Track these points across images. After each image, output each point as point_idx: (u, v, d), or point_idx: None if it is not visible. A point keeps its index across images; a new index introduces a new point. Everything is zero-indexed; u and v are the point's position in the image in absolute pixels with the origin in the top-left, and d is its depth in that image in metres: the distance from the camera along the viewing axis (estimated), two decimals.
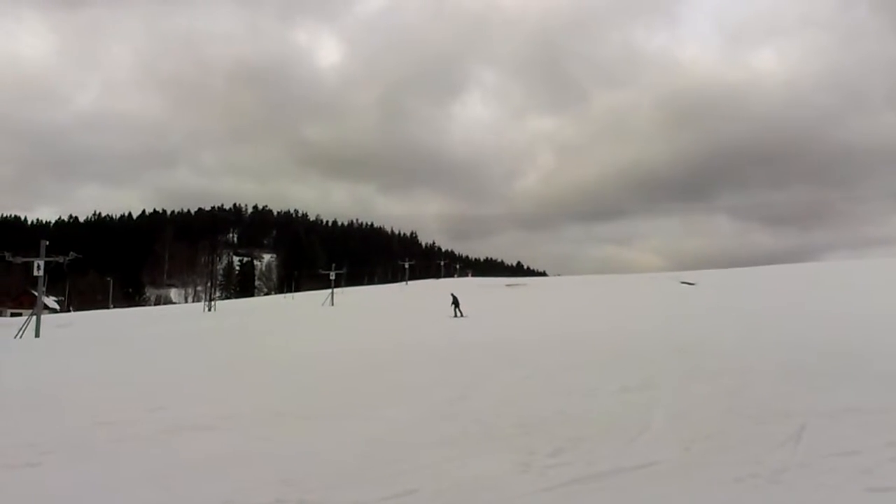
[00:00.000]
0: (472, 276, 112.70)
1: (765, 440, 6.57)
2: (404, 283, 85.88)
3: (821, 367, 11.73)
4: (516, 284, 72.56)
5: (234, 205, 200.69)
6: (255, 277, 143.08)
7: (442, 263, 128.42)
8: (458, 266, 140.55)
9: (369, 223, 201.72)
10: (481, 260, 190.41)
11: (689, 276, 66.91)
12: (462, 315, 33.45)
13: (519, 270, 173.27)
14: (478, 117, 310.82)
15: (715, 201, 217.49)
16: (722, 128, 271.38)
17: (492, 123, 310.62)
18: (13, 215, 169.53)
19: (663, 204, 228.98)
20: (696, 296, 44.47)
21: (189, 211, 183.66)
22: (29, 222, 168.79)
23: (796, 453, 6.08)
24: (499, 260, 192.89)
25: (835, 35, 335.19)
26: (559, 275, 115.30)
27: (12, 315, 75.99)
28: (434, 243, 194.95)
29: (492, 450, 6.57)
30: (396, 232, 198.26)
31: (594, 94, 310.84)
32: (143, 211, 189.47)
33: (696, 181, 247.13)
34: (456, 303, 35.18)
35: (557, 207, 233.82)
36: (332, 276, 60.03)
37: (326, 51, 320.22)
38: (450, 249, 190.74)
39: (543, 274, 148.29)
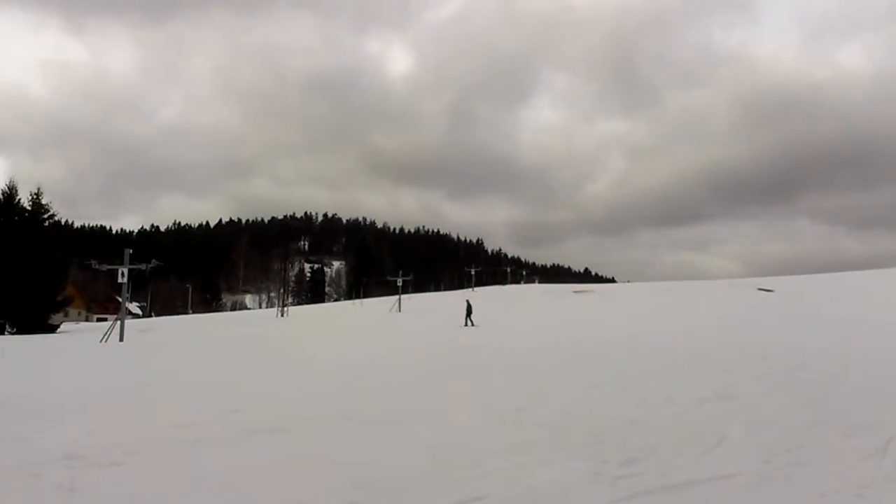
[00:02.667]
0: (539, 282, 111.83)
1: (849, 453, 6.27)
2: (471, 289, 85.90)
3: None
4: (584, 291, 71.53)
5: (306, 213, 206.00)
6: (326, 284, 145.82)
7: (508, 270, 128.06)
8: (524, 273, 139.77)
9: (436, 230, 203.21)
10: (548, 266, 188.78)
11: (768, 282, 64.44)
12: (473, 325, 32.33)
13: (587, 277, 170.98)
14: (547, 121, 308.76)
15: (797, 204, 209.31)
16: (804, 127, 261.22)
17: (561, 127, 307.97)
18: (99, 225, 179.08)
19: (742, 207, 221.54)
20: (774, 303, 42.82)
21: (263, 220, 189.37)
22: (113, 231, 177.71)
23: (882, 467, 5.79)
24: (566, 266, 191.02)
25: None
26: (629, 281, 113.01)
27: (98, 320, 79.87)
28: (500, 250, 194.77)
29: (561, 458, 6.49)
30: (463, 238, 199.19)
31: (668, 94, 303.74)
32: (220, 220, 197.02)
33: (776, 183, 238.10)
34: (469, 311, 34.13)
35: (629, 212, 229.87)
36: (400, 282, 60.65)
37: (397, 59, 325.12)
38: (516, 256, 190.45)
39: (612, 280, 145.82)
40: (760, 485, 5.44)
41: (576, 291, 70.58)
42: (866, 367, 12.84)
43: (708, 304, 43.03)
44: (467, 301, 35.72)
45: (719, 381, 11.28)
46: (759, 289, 57.91)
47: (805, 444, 6.75)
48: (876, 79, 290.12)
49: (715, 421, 8.05)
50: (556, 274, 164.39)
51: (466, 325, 32.49)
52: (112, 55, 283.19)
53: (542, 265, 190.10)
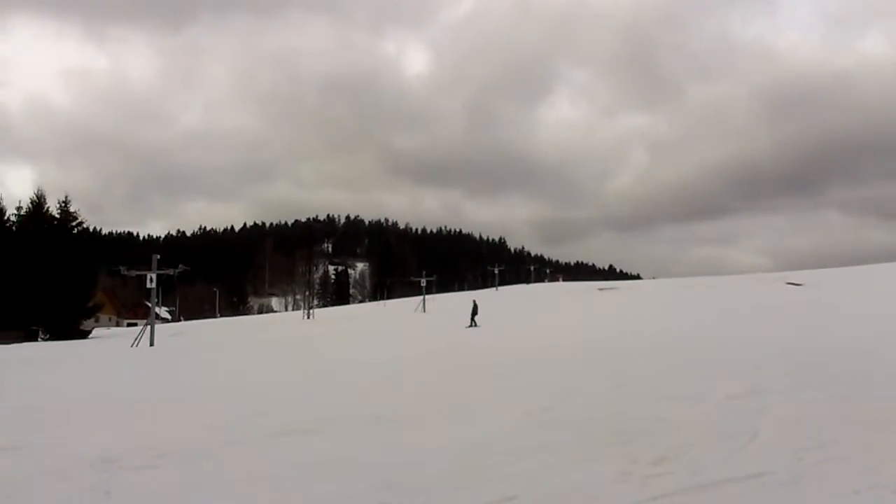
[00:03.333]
0: (563, 280, 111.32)
1: (884, 450, 6.16)
2: (495, 288, 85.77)
3: None
4: (609, 288, 71.04)
5: (328, 215, 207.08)
6: (350, 286, 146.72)
7: (532, 268, 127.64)
8: (548, 271, 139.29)
9: (458, 230, 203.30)
10: (571, 264, 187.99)
11: (796, 276, 63.52)
12: (476, 325, 31.44)
13: (611, 274, 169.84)
14: (566, 118, 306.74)
15: (825, 196, 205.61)
16: (829, 117, 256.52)
17: (581, 123, 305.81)
18: (126, 231, 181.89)
19: (768, 200, 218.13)
20: (803, 297, 42.19)
21: (286, 223, 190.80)
22: (141, 238, 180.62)
23: None
24: (590, 263, 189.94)
25: None
26: (654, 278, 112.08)
27: (128, 325, 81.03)
28: (523, 248, 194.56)
29: (591, 457, 6.47)
30: (485, 238, 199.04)
31: (688, 87, 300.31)
32: (245, 224, 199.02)
33: (803, 175, 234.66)
34: (474, 311, 32.91)
35: (653, 207, 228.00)
36: (423, 283, 60.77)
37: (414, 59, 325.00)
38: (539, 254, 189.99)
39: (637, 277, 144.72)
40: (794, 483, 5.37)
41: (600, 289, 70.15)
42: None
43: (735, 300, 42.50)
44: (474, 301, 34.71)
45: (748, 378, 11.13)
46: (788, 283, 57.12)
47: (837, 440, 6.65)
48: None
49: (745, 418, 7.95)
50: (580, 271, 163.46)
51: (471, 325, 31.65)
52: (132, 62, 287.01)
53: (565, 263, 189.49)
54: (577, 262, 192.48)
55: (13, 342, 35.92)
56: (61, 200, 47.02)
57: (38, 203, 46.31)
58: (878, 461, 5.80)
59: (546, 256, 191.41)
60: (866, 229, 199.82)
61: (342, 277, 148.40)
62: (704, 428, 7.62)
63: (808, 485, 5.30)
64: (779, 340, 17.56)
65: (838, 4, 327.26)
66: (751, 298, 42.87)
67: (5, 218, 46.62)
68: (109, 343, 35.92)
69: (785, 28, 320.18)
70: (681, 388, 10.62)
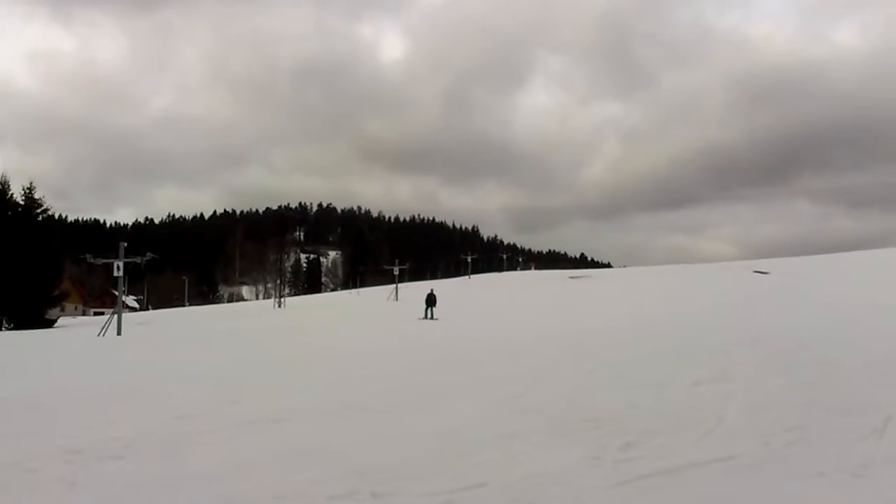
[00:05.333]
0: (535, 268, 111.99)
1: (847, 433, 6.31)
2: (467, 277, 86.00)
3: None
4: (580, 276, 71.66)
5: (300, 203, 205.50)
6: (322, 274, 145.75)
7: (504, 257, 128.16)
8: (520, 259, 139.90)
9: (431, 218, 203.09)
10: (544, 252, 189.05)
11: (764, 264, 64.67)
12: (433, 318, 29.57)
13: (582, 262, 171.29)
14: (542, 105, 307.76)
15: (794, 185, 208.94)
16: (800, 107, 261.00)
17: (556, 111, 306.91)
18: (93, 218, 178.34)
19: (738, 189, 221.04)
20: (770, 285, 42.97)
21: (258, 211, 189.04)
22: (108, 225, 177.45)
23: (881, 447, 5.82)
24: (562, 252, 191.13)
25: None
26: (624, 266, 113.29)
27: (95, 314, 79.73)
28: (496, 236, 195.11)
29: (561, 443, 6.52)
30: (458, 226, 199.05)
31: (662, 76, 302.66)
32: (215, 211, 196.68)
33: (773, 164, 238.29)
34: (431, 302, 30.82)
35: (625, 196, 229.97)
36: (396, 271, 60.67)
37: (390, 45, 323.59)
38: (512, 242, 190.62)
39: (608, 266, 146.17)
40: (759, 466, 5.47)
41: (572, 277, 70.72)
42: (863, 347, 12.91)
43: (703, 288, 43.15)
44: (431, 290, 32.55)
45: (716, 364, 11.32)
46: (755, 271, 58.15)
47: (803, 424, 6.79)
48: (872, 57, 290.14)
49: (712, 403, 8.09)
50: (552, 260, 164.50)
51: (426, 317, 29.91)
52: (101, 44, 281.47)
53: (538, 251, 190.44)
54: (550, 250, 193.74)
55: None
56: (26, 187, 45.88)
57: (2, 189, 45.09)
58: (841, 445, 5.93)
59: (519, 245, 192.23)
60: (834, 218, 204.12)
61: (314, 266, 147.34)
62: (672, 413, 7.74)
63: (774, 468, 5.41)
64: (745, 327, 17.88)
65: None
66: (718, 287, 43.56)
67: None
68: (75, 332, 35.30)
69: (759, 17, 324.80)
70: (649, 374, 10.76)
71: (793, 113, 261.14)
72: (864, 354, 11.82)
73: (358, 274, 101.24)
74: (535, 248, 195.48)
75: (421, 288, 70.64)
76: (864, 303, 24.65)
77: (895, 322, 17.22)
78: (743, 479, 5.17)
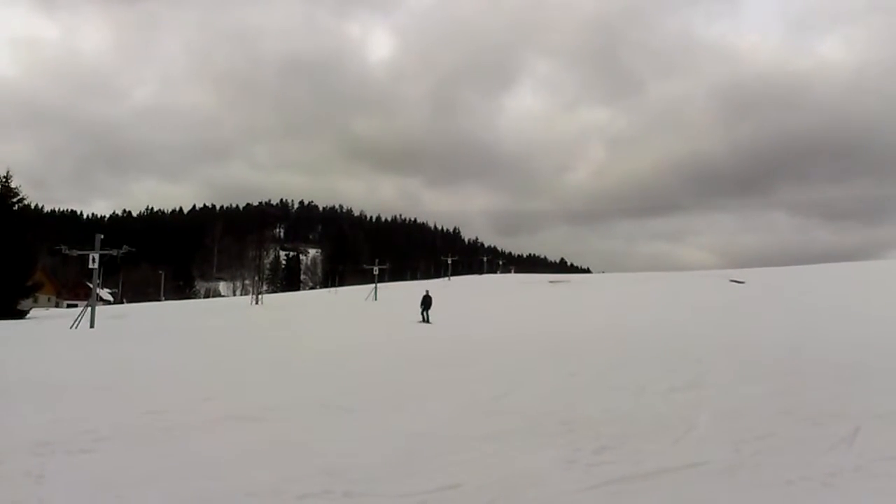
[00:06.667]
0: (515, 272, 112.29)
1: (817, 442, 6.39)
2: (447, 278, 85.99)
3: (879, 368, 11.36)
4: (559, 281, 71.98)
5: (281, 200, 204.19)
6: (301, 272, 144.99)
7: (485, 259, 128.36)
8: (500, 262, 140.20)
9: (413, 219, 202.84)
10: (524, 256, 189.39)
11: (741, 273, 65.31)
12: (428, 321, 28.11)
13: (562, 267, 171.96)
14: (528, 109, 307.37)
15: (773, 196, 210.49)
16: (783, 119, 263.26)
17: (542, 115, 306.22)
18: (70, 209, 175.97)
19: (719, 199, 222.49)
20: (746, 294, 43.46)
21: (237, 206, 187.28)
22: (84, 216, 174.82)
23: (850, 456, 5.90)
24: (542, 256, 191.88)
25: None
26: (603, 272, 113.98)
27: (68, 306, 78.61)
28: (477, 239, 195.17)
29: (536, 446, 6.54)
30: (439, 228, 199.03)
31: (649, 83, 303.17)
32: (194, 206, 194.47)
33: (753, 175, 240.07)
34: (426, 304, 29.30)
35: (607, 202, 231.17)
36: (376, 271, 60.47)
37: (378, 43, 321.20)
38: (493, 245, 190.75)
39: (587, 271, 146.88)
40: (730, 472, 5.53)
41: (551, 282, 71.00)
42: (835, 356, 13.09)
43: (680, 295, 43.52)
44: (426, 292, 30.86)
45: (690, 371, 11.43)
46: (731, 280, 58.74)
47: (774, 432, 6.87)
48: (856, 71, 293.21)
49: (686, 410, 8.16)
50: (532, 264, 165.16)
51: (423, 320, 28.51)
52: (84, 34, 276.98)
53: (518, 255, 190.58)
54: (530, 254, 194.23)
55: None
56: (2, 175, 45.11)
57: None
58: (811, 453, 6.01)
59: (500, 248, 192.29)
60: (812, 230, 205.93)
61: (293, 263, 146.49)
62: (647, 418, 7.80)
63: (744, 475, 5.46)
64: (720, 336, 18.06)
65: (799, 8, 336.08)
66: (694, 295, 43.98)
67: None
68: (48, 324, 34.78)
69: (746, 29, 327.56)
70: (625, 379, 10.83)
71: (775, 125, 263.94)
72: (836, 364, 11.99)
73: (337, 273, 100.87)
74: (516, 251, 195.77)
75: (402, 289, 70.57)
76: (837, 314, 25.01)
77: (867, 333, 17.48)
78: (714, 485, 5.22)
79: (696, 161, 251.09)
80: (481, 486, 5.25)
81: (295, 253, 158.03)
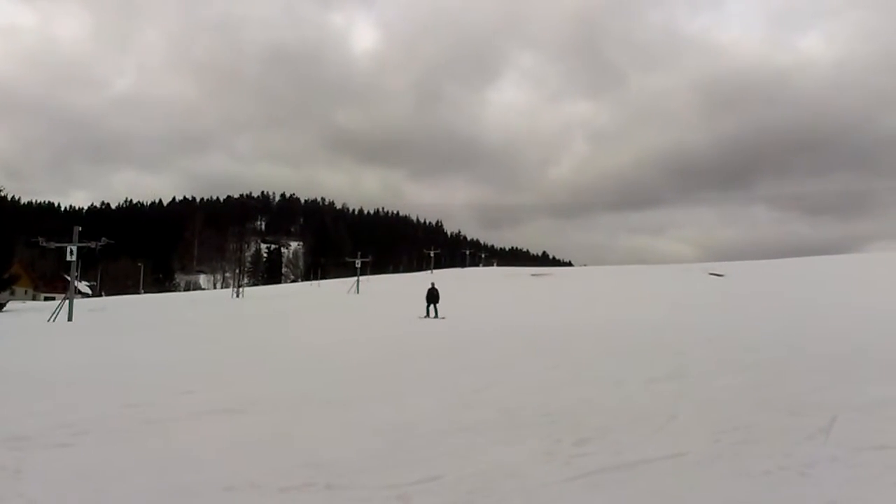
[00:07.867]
0: (497, 265, 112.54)
1: (795, 433, 6.47)
2: (429, 271, 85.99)
3: (855, 360, 11.52)
4: (542, 274, 72.28)
5: (262, 192, 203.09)
6: (283, 265, 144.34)
7: (467, 252, 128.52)
8: (483, 255, 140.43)
9: (395, 211, 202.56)
10: (507, 249, 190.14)
11: (720, 267, 66.06)
12: (438, 316, 26.08)
13: (544, 260, 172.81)
14: (512, 102, 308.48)
15: (753, 190, 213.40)
16: (764, 113, 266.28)
17: (526, 109, 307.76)
18: (47, 201, 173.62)
19: (700, 192, 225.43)
20: (725, 287, 43.92)
21: (218, 199, 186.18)
22: (62, 208, 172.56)
23: (827, 446, 5.98)
24: (524, 249, 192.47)
25: (886, 15, 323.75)
26: (585, 265, 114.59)
27: (46, 299, 77.64)
28: (460, 232, 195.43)
29: (516, 438, 6.56)
30: (422, 221, 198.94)
31: (632, 77, 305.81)
32: (174, 198, 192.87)
33: (734, 169, 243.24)
34: (433, 298, 26.97)
35: (590, 195, 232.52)
36: (358, 264, 60.29)
37: (362, 35, 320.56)
38: (475, 238, 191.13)
39: (569, 264, 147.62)
40: (708, 463, 5.58)
41: (533, 275, 71.28)
42: (813, 348, 13.26)
43: (661, 288, 43.92)
44: (432, 284, 28.47)
45: (670, 363, 11.53)
46: (711, 273, 59.35)
47: (752, 423, 6.94)
48: (836, 66, 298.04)
49: (666, 401, 8.23)
50: (515, 257, 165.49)
51: (429, 315, 26.38)
52: (62, 22, 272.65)
53: (500, 248, 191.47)
54: (513, 247, 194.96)
55: None
56: None
57: None
58: (789, 444, 6.08)
59: (482, 241, 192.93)
60: (791, 224, 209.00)
61: (275, 256, 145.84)
62: (627, 410, 7.85)
63: (723, 465, 5.52)
64: (699, 328, 18.24)
65: (781, 3, 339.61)
66: (676, 287, 44.36)
67: None
68: (25, 317, 34.34)
69: (729, 23, 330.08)
70: (606, 371, 10.91)
71: (755, 119, 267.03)
72: (814, 356, 12.15)
73: (319, 266, 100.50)
74: (499, 244, 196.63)
75: (384, 282, 70.47)
76: (815, 306, 25.36)
77: (845, 325, 17.75)
78: (692, 475, 5.27)
79: (677, 155, 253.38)
80: (461, 477, 5.26)
81: (276, 246, 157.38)
